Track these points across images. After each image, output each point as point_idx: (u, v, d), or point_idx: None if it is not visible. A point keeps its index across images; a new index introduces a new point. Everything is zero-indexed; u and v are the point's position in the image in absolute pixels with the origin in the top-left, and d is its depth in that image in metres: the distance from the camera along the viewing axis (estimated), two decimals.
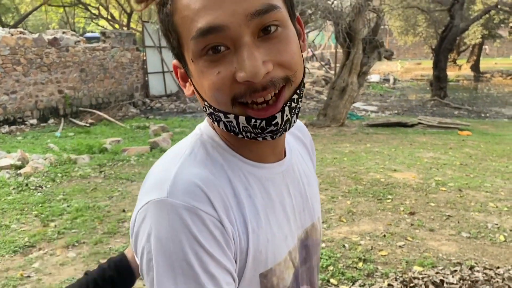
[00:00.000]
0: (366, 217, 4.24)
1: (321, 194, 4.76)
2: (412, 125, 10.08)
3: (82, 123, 10.66)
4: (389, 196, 4.79)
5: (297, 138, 0.93)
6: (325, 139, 8.50)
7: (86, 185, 5.37)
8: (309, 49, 21.72)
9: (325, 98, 11.35)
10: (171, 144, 7.64)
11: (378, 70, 25.79)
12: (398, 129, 9.78)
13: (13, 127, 9.82)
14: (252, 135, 0.66)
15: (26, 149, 7.11)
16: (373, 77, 22.06)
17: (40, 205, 4.66)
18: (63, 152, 7.07)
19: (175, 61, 0.71)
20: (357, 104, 14.06)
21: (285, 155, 0.80)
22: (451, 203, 4.55)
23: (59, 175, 5.78)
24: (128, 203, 4.67)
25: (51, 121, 10.92)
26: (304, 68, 0.68)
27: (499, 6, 16.48)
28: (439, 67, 15.81)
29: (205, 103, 0.67)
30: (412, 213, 4.30)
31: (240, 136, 0.67)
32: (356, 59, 9.78)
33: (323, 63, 25.26)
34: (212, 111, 0.66)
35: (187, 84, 0.70)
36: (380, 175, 5.62)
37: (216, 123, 0.68)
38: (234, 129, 0.66)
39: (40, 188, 5.24)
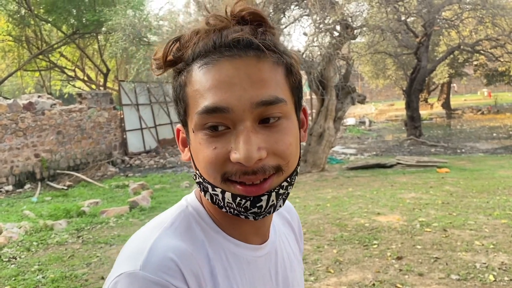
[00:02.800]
0: (353, 265, 4.15)
1: (307, 244, 4.67)
2: (391, 166, 10.18)
3: (59, 186, 10.43)
4: (375, 242, 4.73)
5: (284, 219, 0.92)
6: (307, 185, 8.48)
7: (63, 253, 5.16)
8: None
9: (305, 145, 11.47)
10: (150, 203, 7.49)
11: (354, 114, 26.36)
12: (378, 170, 9.86)
13: None
14: (235, 212, 0.67)
15: (0, 218, 6.85)
16: (349, 121, 22.51)
17: (13, 278, 4.42)
18: (39, 218, 6.83)
19: (179, 126, 0.75)
20: (336, 148, 14.21)
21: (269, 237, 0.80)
22: (437, 244, 4.51)
23: (35, 243, 5.54)
24: (107, 270, 4.47)
25: (27, 186, 10.66)
26: (300, 157, 0.71)
27: (461, 47, 17.28)
28: (412, 107, 16.26)
29: (197, 172, 0.69)
30: (399, 258, 4.23)
31: (223, 210, 0.69)
32: (331, 105, 10.00)
33: None
34: (201, 181, 0.68)
35: (186, 150, 0.74)
36: (364, 219, 5.57)
37: (203, 192, 0.70)
38: (219, 202, 0.68)
39: (13, 260, 5.00)
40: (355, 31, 10.29)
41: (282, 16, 10.15)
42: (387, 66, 23.01)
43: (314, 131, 10.17)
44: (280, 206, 0.69)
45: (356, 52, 14.05)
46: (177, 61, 0.68)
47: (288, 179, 0.67)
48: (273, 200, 0.66)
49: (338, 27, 10.05)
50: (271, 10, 9.74)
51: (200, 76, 0.64)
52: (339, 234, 5.03)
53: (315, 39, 9.72)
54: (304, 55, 9.83)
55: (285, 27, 10.26)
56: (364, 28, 10.83)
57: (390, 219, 5.55)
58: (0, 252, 5.24)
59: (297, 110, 0.70)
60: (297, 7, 10.23)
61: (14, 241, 5.64)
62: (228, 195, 0.65)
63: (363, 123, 23.25)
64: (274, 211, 0.68)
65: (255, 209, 0.65)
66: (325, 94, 9.88)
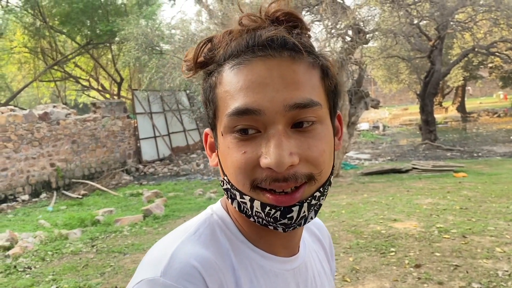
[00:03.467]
0: (370, 274, 4.06)
1: None
2: (407, 171, 10.03)
3: (74, 195, 10.50)
4: (392, 249, 4.63)
5: (314, 236, 0.88)
6: None
7: (77, 262, 5.16)
8: None
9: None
10: (164, 211, 7.48)
11: (367, 118, 26.16)
12: (393, 175, 9.72)
13: (3, 205, 9.62)
14: (264, 222, 0.64)
15: (16, 228, 6.91)
16: (363, 126, 22.33)
17: None
18: (54, 227, 6.87)
19: (207, 130, 0.72)
20: (349, 154, 14.08)
21: (298, 251, 0.75)
22: (456, 251, 4.40)
23: (49, 253, 5.56)
24: (121, 279, 4.46)
25: (43, 195, 10.75)
26: (333, 166, 0.67)
27: (476, 49, 17.05)
28: (426, 111, 16.05)
29: (225, 177, 0.66)
30: (418, 266, 4.12)
31: (251, 219, 0.65)
32: (344, 110, 9.91)
33: None
34: (229, 187, 0.65)
35: (213, 155, 0.71)
36: (381, 226, 5.47)
37: (230, 200, 0.67)
38: (247, 211, 0.64)
39: (28, 270, 5.02)
40: (367, 35, 10.21)
41: None
42: (400, 70, 22.81)
43: None
44: (312, 218, 0.65)
45: (368, 56, 13.94)
46: (208, 62, 0.66)
47: (321, 189, 0.64)
48: (304, 212, 0.62)
49: (350, 32, 9.98)
50: None
51: (231, 77, 0.61)
52: (355, 242, 4.94)
53: (327, 44, 9.67)
54: None
55: None
56: (377, 33, 10.73)
57: (407, 225, 5.44)
58: (15, 262, 5.26)
59: (332, 115, 0.67)
60: (308, 12, 10.20)
61: (30, 250, 5.66)
62: (257, 203, 0.62)
63: (377, 128, 23.04)
64: (305, 223, 0.64)
65: (285, 220, 0.61)
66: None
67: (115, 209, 8.18)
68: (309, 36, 0.66)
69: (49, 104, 13.21)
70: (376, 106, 11.48)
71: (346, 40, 9.93)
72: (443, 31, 14.89)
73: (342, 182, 9.33)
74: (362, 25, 9.98)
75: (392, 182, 8.90)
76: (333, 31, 9.61)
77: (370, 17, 10.80)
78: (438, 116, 21.92)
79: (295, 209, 0.61)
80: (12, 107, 11.43)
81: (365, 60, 11.14)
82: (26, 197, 10.37)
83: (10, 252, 5.59)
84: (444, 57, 18.74)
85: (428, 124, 15.96)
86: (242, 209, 0.65)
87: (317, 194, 0.63)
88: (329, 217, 6.15)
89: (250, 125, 0.60)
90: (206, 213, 0.72)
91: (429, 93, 16.00)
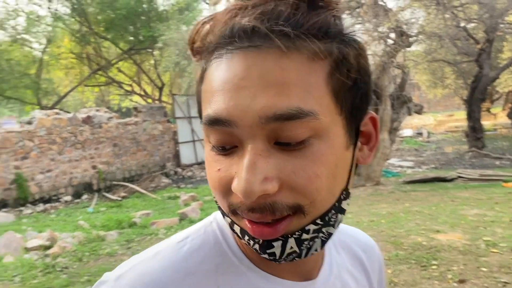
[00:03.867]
0: (410, 287, 3.83)
1: None
2: (452, 179, 9.58)
3: (114, 197, 10.72)
4: (434, 262, 4.37)
5: (355, 259, 0.70)
6: (360, 200, 8.13)
7: (112, 264, 5.20)
8: None
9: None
10: (200, 215, 7.47)
11: (410, 124, 25.39)
12: (437, 184, 9.30)
13: (47, 205, 9.95)
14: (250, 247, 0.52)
15: (57, 228, 7.09)
16: (406, 132, 21.69)
17: None
18: (92, 229, 7.00)
19: None
20: (391, 161, 13.66)
21: (318, 275, 0.61)
22: (505, 267, 4.09)
23: (87, 254, 5.65)
24: None
25: (84, 196, 11.05)
26: (346, 189, 0.53)
27: None
28: (473, 117, 15.36)
29: None
30: (462, 281, 3.86)
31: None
32: (385, 115, 9.61)
33: None
34: (216, 202, 0.55)
35: None
36: (422, 237, 5.20)
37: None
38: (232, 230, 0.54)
39: (66, 269, 5.11)
40: (411, 38, 9.88)
41: None
42: (445, 75, 21.99)
43: None
44: (316, 250, 0.52)
45: (412, 60, 13.50)
46: (205, 48, 0.52)
47: (318, 221, 0.50)
48: (292, 248, 0.49)
49: (392, 35, 9.69)
50: None
51: (211, 72, 0.49)
52: (394, 253, 4.71)
53: (368, 47, 9.42)
54: None
55: None
56: (421, 36, 10.37)
57: (450, 237, 5.14)
58: (54, 261, 5.37)
59: (349, 122, 0.50)
60: (349, 15, 9.99)
61: (68, 250, 5.78)
62: (237, 228, 0.51)
63: (420, 134, 22.31)
64: (305, 256, 0.51)
65: (266, 255, 0.50)
66: (379, 104, 9.52)
67: (152, 211, 8.26)
68: (333, 12, 0.49)
69: (92, 108, 13.61)
70: (419, 111, 11.08)
71: (388, 43, 9.64)
72: (492, 33, 14.21)
73: (383, 190, 9.03)
74: (405, 28, 9.66)
75: (436, 191, 8.52)
76: (374, 34, 9.35)
77: (413, 20, 10.44)
78: (487, 122, 20.97)
79: (277, 244, 0.48)
80: (57, 110, 11.85)
81: (408, 64, 10.78)
82: (68, 198, 10.69)
83: (50, 251, 5.72)
84: (493, 61, 17.89)
85: (475, 131, 15.27)
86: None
87: (311, 227, 0.49)
88: (367, 226, 5.92)
89: (223, 141, 0.48)
90: (207, 220, 0.62)
91: (476, 99, 15.31)
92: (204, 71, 0.51)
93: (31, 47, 17.85)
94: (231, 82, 0.46)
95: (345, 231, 0.74)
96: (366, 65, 0.52)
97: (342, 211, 0.52)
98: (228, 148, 0.48)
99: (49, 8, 16.68)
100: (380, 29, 9.37)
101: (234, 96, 0.45)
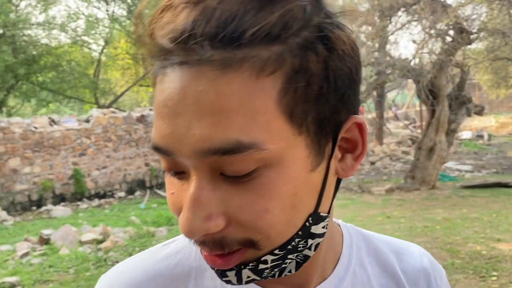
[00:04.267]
0: None
1: None
2: None
3: (165, 194, 10.96)
4: (494, 273, 4.08)
5: (384, 271, 0.59)
6: (414, 204, 7.80)
7: None
8: (392, 109, 21.15)
9: (412, 159, 10.68)
10: None
11: (470, 126, 24.16)
12: (498, 190, 8.76)
13: (102, 200, 10.34)
14: None
15: (110, 223, 7.33)
16: (465, 134, 20.67)
17: None
18: (143, 224, 7.18)
19: None
20: (449, 164, 13.04)
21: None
22: None
23: (137, 249, 5.78)
24: None
25: (137, 193, 11.39)
26: (314, 215, 0.45)
27: None
28: None
29: None
30: None
31: None
32: (442, 116, 9.16)
33: (407, 122, 24.34)
34: None
35: None
36: (481, 246, 4.88)
37: None
38: None
39: (116, 263, 5.24)
40: (471, 35, 9.35)
41: (388, 22, 9.62)
42: (509, 74, 20.73)
43: (424, 145, 9.40)
44: (290, 272, 0.46)
45: (472, 58, 12.82)
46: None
47: (278, 251, 0.43)
48: (249, 276, 0.45)
49: (451, 32, 9.23)
50: (377, 18, 9.28)
51: (156, 87, 0.42)
52: (450, 261, 4.44)
53: (425, 45, 9.04)
54: (412, 63, 9.19)
55: (391, 34, 9.70)
56: (482, 33, 9.79)
57: None
58: (106, 255, 5.55)
59: (316, 138, 0.42)
60: (405, 12, 9.62)
61: (119, 245, 5.94)
62: (199, 249, 0.47)
63: (480, 137, 21.16)
64: (279, 276, 0.46)
65: (224, 281, 0.46)
66: (436, 104, 9.09)
67: None
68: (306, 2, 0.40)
69: (146, 107, 14.01)
70: (480, 112, 10.48)
71: (446, 41, 9.19)
72: None
73: (439, 194, 8.61)
74: (465, 25, 9.16)
75: (497, 197, 8.01)
76: (432, 31, 8.95)
77: (475, 16, 9.89)
78: None
79: (231, 274, 0.44)
80: (113, 109, 12.30)
81: (468, 62, 10.22)
82: (122, 194, 11.06)
83: (102, 245, 5.91)
84: None
85: None
86: None
87: (269, 257, 0.43)
88: (421, 232, 5.66)
89: (169, 167, 0.43)
90: None
91: None
92: (154, 78, 0.43)
93: (90, 48, 18.69)
94: (167, 106, 0.40)
95: (386, 245, 0.62)
96: (344, 61, 0.42)
97: (315, 236, 0.45)
98: (179, 172, 0.43)
99: (107, 10, 17.37)
100: (438, 26, 8.95)
101: (171, 124, 0.39)
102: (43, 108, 18.84)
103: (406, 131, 20.85)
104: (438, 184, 9.64)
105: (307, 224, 0.44)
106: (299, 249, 0.45)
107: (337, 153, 0.45)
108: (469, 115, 9.97)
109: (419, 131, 19.14)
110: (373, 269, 0.58)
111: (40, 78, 15.88)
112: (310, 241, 0.45)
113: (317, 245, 0.46)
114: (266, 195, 0.40)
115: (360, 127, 0.45)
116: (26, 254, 5.60)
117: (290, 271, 0.46)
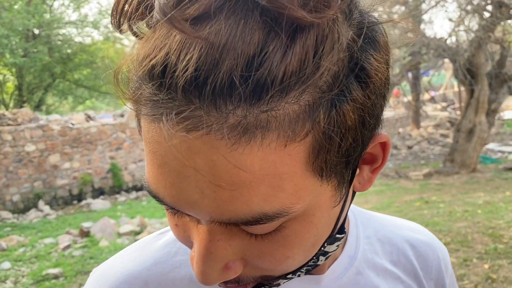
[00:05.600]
0: (510, 285, 3.44)
1: (451, 256, 4.04)
2: None
3: None
4: None
5: (398, 256, 0.58)
6: (453, 188, 7.54)
7: None
8: (429, 91, 20.53)
9: (451, 142, 10.34)
10: None
11: None
12: None
13: (139, 193, 10.57)
14: None
15: (146, 214, 7.47)
16: (507, 114, 19.81)
17: None
18: None
19: None
20: (490, 146, 12.54)
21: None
22: None
23: None
24: None
25: None
26: (331, 237, 0.43)
27: None
28: None
29: None
30: None
31: None
32: (482, 96, 8.78)
33: (445, 104, 23.56)
34: None
35: None
36: None
37: None
38: None
39: None
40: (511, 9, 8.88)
41: (422, 1, 9.27)
42: None
43: (463, 127, 9.05)
44: (299, 276, 0.45)
45: None
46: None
47: (291, 275, 0.43)
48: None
49: (489, 7, 8.79)
50: None
51: (143, 128, 0.35)
52: (492, 246, 4.26)
53: (461, 23, 8.65)
54: (448, 42, 8.83)
55: (425, 13, 9.35)
56: None
57: None
58: None
59: (342, 177, 0.37)
60: None
61: None
62: None
63: None
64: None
65: None
66: (474, 84, 8.72)
67: None
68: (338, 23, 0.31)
69: None
70: None
71: (484, 17, 8.77)
72: None
73: (480, 177, 8.29)
74: None
75: None
76: (468, 7, 8.55)
77: None
78: None
79: None
80: None
81: (509, 38, 9.73)
82: None
83: (139, 236, 6.03)
84: None
85: None
86: None
87: (281, 281, 0.42)
88: (461, 216, 5.45)
89: (170, 209, 0.38)
90: None
91: None
92: (138, 115, 0.36)
93: (121, 44, 19.04)
94: (169, 166, 0.33)
95: (391, 223, 0.62)
96: (380, 93, 0.36)
97: (328, 253, 0.44)
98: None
99: None
100: (475, 1, 8.54)
101: (176, 184, 0.33)
102: (80, 105, 19.39)
103: (444, 114, 20.20)
104: (479, 167, 9.29)
105: (322, 248, 0.43)
106: (309, 264, 0.43)
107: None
108: (511, 93, 9.53)
109: (458, 112, 18.49)
110: (380, 245, 0.58)
111: (76, 76, 16.32)
112: (321, 257, 0.44)
113: (328, 257, 0.45)
114: (288, 245, 0.37)
115: (383, 145, 0.41)
116: (68, 247, 5.80)
117: (299, 275, 0.45)
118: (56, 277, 4.75)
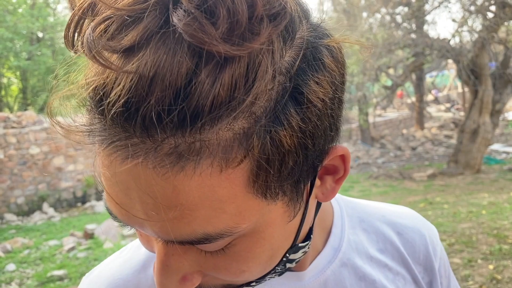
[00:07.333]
0: None
1: (455, 257, 4.03)
2: None
3: None
4: None
5: (383, 242, 0.58)
6: (458, 189, 7.52)
7: None
8: (432, 92, 20.49)
9: (455, 143, 10.31)
10: None
11: None
12: None
13: None
14: None
15: None
16: (511, 115, 19.76)
17: None
18: None
19: None
20: (495, 146, 12.50)
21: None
22: None
23: None
24: None
25: None
26: (293, 247, 0.43)
27: None
28: None
29: None
30: None
31: None
32: (486, 96, 8.76)
33: (448, 105, 23.51)
34: None
35: None
36: None
37: None
38: None
39: None
40: None
41: (425, 1, 9.27)
42: None
43: (467, 127, 9.03)
44: (274, 277, 0.46)
45: None
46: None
47: (254, 283, 0.43)
48: None
49: (492, 7, 8.78)
50: None
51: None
52: (497, 247, 4.25)
53: (464, 23, 8.64)
54: (451, 43, 8.82)
55: (428, 14, 9.34)
56: None
57: None
58: None
59: (294, 193, 0.37)
60: None
61: None
62: None
63: None
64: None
65: None
66: (478, 84, 8.70)
67: None
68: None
69: None
70: None
71: (487, 17, 8.75)
72: None
73: (484, 178, 8.27)
74: None
75: None
76: (471, 7, 8.54)
77: None
78: None
79: None
80: None
81: None
82: None
83: None
84: None
85: None
86: None
87: (245, 287, 0.43)
88: (465, 217, 5.44)
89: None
90: None
91: None
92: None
93: None
94: (115, 187, 0.34)
95: (377, 211, 0.61)
96: (324, 114, 0.35)
97: (293, 260, 0.45)
98: None
99: None
100: (478, 2, 8.53)
101: (125, 204, 0.34)
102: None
103: (448, 115, 20.15)
104: (484, 167, 9.26)
105: (284, 258, 0.43)
106: (277, 270, 0.44)
107: (317, 181, 0.41)
108: None
109: (462, 113, 18.44)
110: (366, 234, 0.57)
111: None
112: (288, 264, 0.45)
113: (298, 261, 0.46)
114: (242, 260, 0.38)
115: (342, 157, 0.40)
116: (72, 249, 5.82)
117: (273, 277, 0.46)
118: (60, 278, 4.77)
